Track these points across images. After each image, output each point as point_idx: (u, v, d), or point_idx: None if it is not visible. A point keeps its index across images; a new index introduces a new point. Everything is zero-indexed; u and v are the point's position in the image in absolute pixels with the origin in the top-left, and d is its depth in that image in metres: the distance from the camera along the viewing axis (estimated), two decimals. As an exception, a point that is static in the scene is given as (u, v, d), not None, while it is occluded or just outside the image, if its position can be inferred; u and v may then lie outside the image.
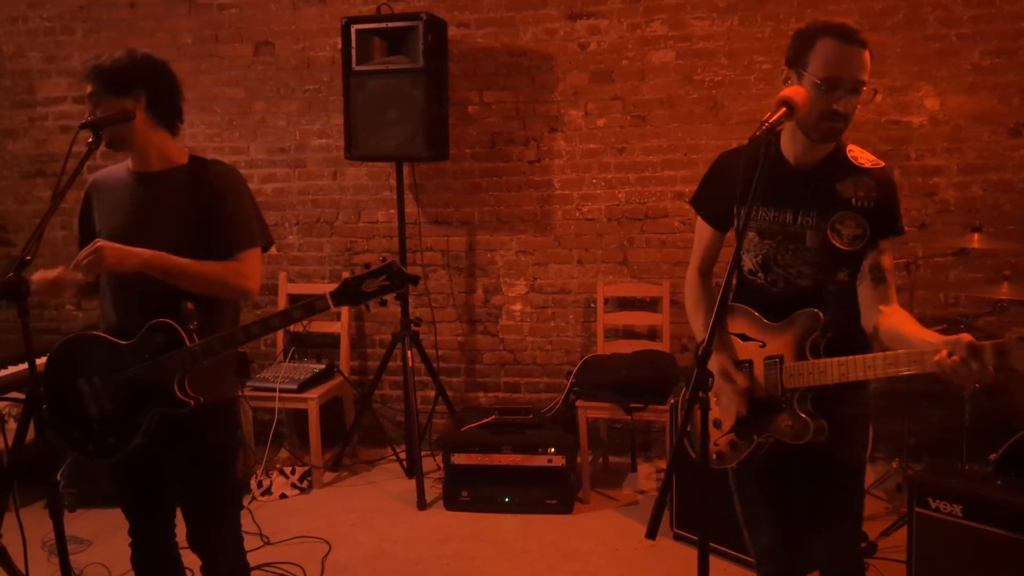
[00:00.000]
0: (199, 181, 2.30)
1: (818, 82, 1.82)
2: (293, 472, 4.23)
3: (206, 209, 2.28)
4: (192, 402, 2.20)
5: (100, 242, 2.13)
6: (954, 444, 3.63)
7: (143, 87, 2.26)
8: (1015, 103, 4.05)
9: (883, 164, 1.97)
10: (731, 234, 2.12)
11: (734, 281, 2.13)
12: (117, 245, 2.16)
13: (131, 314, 2.24)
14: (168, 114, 2.32)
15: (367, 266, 2.08)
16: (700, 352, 1.59)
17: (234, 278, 2.27)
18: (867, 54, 1.84)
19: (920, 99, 4.14)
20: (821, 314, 1.91)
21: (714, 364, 1.97)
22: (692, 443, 2.19)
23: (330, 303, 2.07)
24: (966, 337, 1.61)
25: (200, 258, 2.23)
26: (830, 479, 2.04)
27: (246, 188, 2.40)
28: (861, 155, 1.97)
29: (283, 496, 4.10)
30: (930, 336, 1.73)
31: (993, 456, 2.96)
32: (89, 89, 2.25)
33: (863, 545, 3.28)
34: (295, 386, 4.18)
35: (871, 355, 1.78)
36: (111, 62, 2.26)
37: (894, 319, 1.88)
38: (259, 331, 2.20)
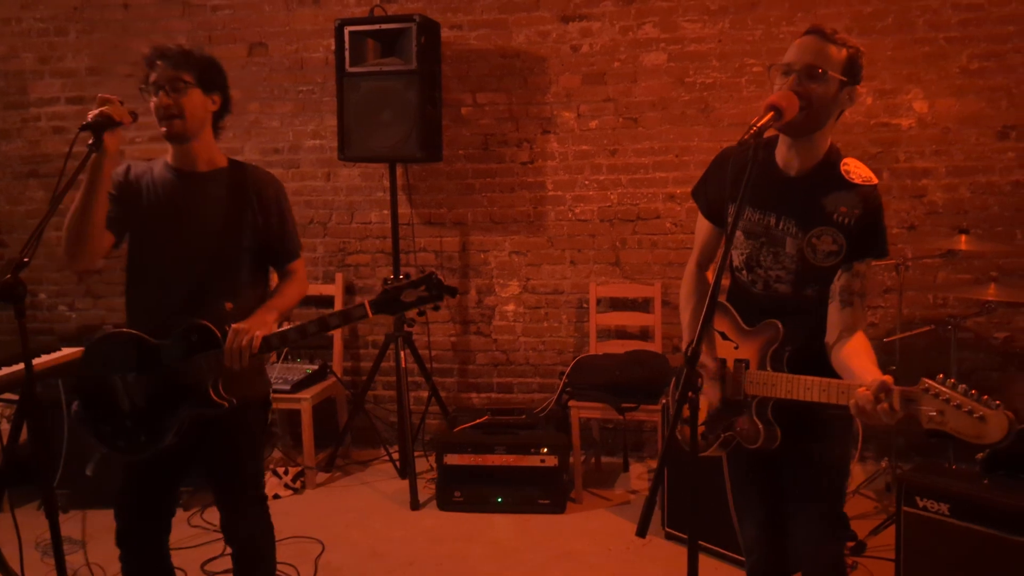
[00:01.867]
0: (244, 186, 2.37)
1: (776, 67, 1.90)
2: (286, 472, 4.24)
3: (258, 217, 2.36)
4: (226, 403, 2.22)
5: (241, 328, 2.18)
6: (941, 444, 3.66)
7: (223, 89, 2.36)
8: (1003, 106, 4.09)
9: (875, 182, 1.94)
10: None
11: (726, 282, 2.15)
12: (253, 323, 2.21)
13: (174, 313, 2.25)
14: (222, 121, 2.41)
15: (406, 276, 2.11)
16: (689, 352, 1.61)
17: (303, 291, 2.47)
18: (828, 46, 1.86)
19: (909, 102, 4.17)
20: (781, 327, 1.95)
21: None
22: (683, 438, 2.23)
23: (368, 312, 2.12)
24: (884, 378, 1.66)
25: (237, 259, 2.34)
26: (811, 477, 2.07)
27: (287, 195, 2.49)
28: (855, 170, 1.95)
29: (276, 496, 4.11)
30: (870, 374, 1.76)
31: (980, 456, 2.99)
32: (171, 73, 2.24)
33: (851, 544, 3.31)
34: (288, 387, 4.19)
35: (811, 378, 1.83)
36: (201, 55, 2.32)
37: (849, 348, 1.89)
38: (296, 337, 2.24)
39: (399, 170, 4.41)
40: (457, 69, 4.55)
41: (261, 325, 2.22)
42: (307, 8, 4.67)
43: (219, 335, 2.19)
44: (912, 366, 3.92)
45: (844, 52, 1.87)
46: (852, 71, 1.89)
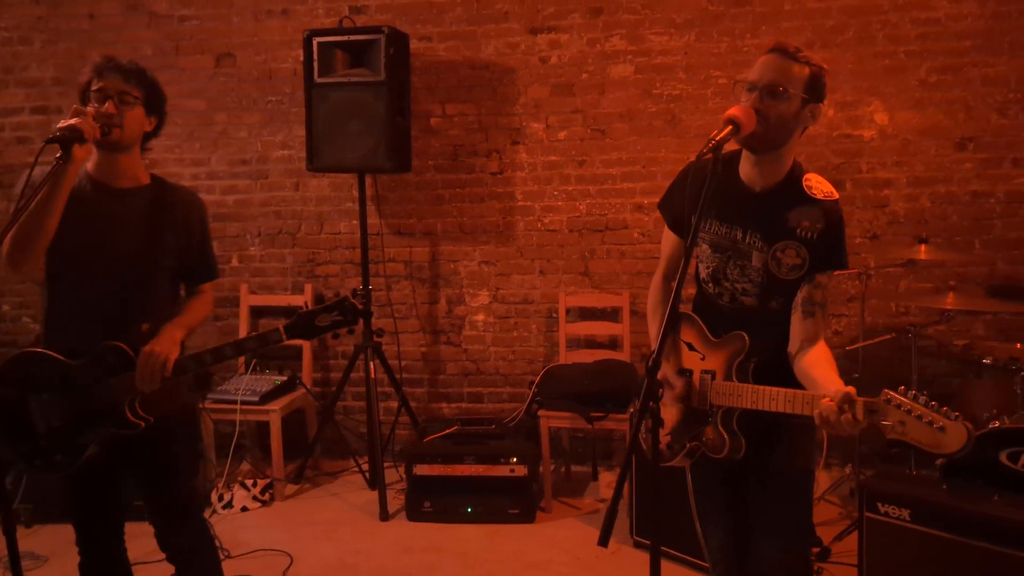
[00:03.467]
0: (166, 205, 2.37)
1: (740, 83, 1.94)
2: (255, 485, 4.21)
3: (179, 237, 2.37)
4: (142, 423, 2.22)
5: (152, 352, 2.18)
6: (903, 451, 3.72)
7: (161, 114, 2.38)
8: (960, 118, 4.19)
9: (836, 196, 1.99)
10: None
11: (692, 291, 2.19)
12: (164, 345, 2.21)
13: (91, 334, 2.24)
14: (148, 142, 2.42)
15: (321, 300, 2.15)
16: (650, 363, 1.63)
17: (209, 310, 2.50)
18: (791, 64, 1.90)
19: (870, 114, 4.26)
20: (747, 338, 1.98)
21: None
22: (646, 447, 2.26)
23: (283, 336, 2.17)
24: (847, 389, 1.70)
25: (154, 279, 2.34)
26: (776, 486, 2.09)
27: (208, 216, 2.51)
28: (817, 185, 1.99)
29: (244, 509, 4.08)
30: (833, 384, 1.80)
31: (939, 462, 3.04)
32: (121, 86, 2.26)
33: (816, 550, 3.35)
34: (257, 398, 4.16)
35: (776, 389, 1.87)
36: (151, 76, 2.34)
37: (812, 358, 1.93)
38: (212, 359, 2.25)
39: (368, 180, 4.41)
40: (426, 80, 4.56)
41: (172, 346, 2.22)
42: (275, 19, 4.66)
43: (133, 356, 2.20)
44: (875, 374, 3.99)
45: (807, 70, 1.91)
46: (814, 89, 1.93)
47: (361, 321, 4.23)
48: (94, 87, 2.25)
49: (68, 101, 4.80)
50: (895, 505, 2.86)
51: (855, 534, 3.31)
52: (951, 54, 4.16)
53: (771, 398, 1.87)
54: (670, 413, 2.08)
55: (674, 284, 2.27)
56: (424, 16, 4.53)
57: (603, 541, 1.61)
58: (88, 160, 2.23)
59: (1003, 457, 2.93)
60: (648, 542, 3.40)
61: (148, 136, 2.38)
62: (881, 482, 2.98)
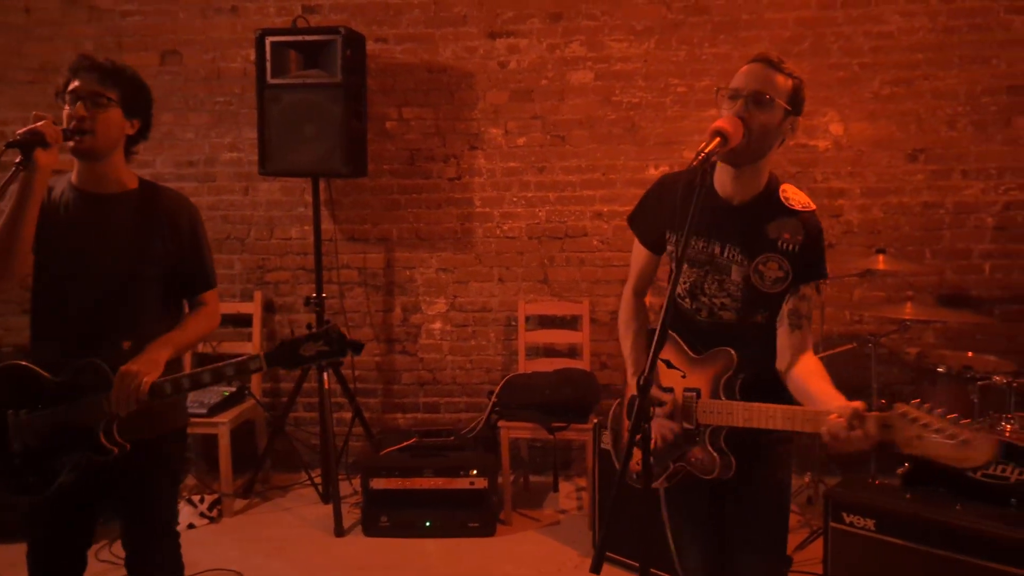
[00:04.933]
0: (154, 211, 2.22)
1: (723, 91, 1.89)
2: (202, 501, 4.04)
3: (169, 244, 2.22)
4: (116, 450, 2.07)
5: (129, 372, 2.03)
6: (863, 457, 3.76)
7: (145, 114, 2.23)
8: (912, 130, 4.26)
9: (813, 207, 1.98)
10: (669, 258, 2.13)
11: (655, 300, 2.14)
12: (143, 366, 2.05)
13: (72, 346, 2.11)
14: (136, 145, 2.27)
15: (309, 327, 2.03)
16: (641, 381, 1.58)
17: (212, 325, 2.33)
18: (776, 74, 1.88)
19: (826, 124, 4.31)
20: (735, 354, 1.94)
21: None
22: (618, 458, 2.21)
23: (264, 364, 2.02)
24: (856, 404, 1.66)
25: (140, 291, 2.19)
26: (755, 503, 2.06)
27: (202, 221, 2.36)
28: (794, 196, 1.98)
29: (191, 526, 3.91)
30: (832, 398, 1.77)
31: (901, 470, 3.07)
32: (95, 88, 2.11)
33: (781, 561, 3.35)
34: (204, 410, 4.00)
35: (774, 406, 1.82)
36: (132, 75, 2.19)
37: (804, 370, 1.90)
38: (190, 385, 2.10)
39: (322, 184, 4.28)
40: (382, 83, 4.46)
41: (152, 366, 2.06)
42: (224, 16, 4.51)
43: (111, 376, 2.05)
44: (834, 382, 4.02)
45: (790, 82, 1.89)
46: (796, 101, 1.91)
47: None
48: (69, 88, 2.11)
49: (3, 99, 4.56)
50: (860, 515, 2.89)
51: (817, 543, 3.34)
52: (903, 67, 4.23)
53: (768, 416, 1.82)
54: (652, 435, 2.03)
55: (649, 299, 2.26)
56: (380, 17, 4.43)
57: (595, 568, 1.55)
58: (56, 165, 2.07)
59: (962, 466, 2.96)
60: (615, 556, 3.39)
61: (133, 139, 2.23)
62: (845, 492, 2.99)
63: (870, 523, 2.86)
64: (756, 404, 1.85)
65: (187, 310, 2.38)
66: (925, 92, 4.24)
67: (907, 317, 3.56)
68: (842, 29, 4.24)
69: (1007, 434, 2.97)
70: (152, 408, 2.09)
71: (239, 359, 2.05)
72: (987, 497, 2.82)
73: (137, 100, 2.20)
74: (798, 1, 4.24)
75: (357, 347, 2.02)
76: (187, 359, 4.42)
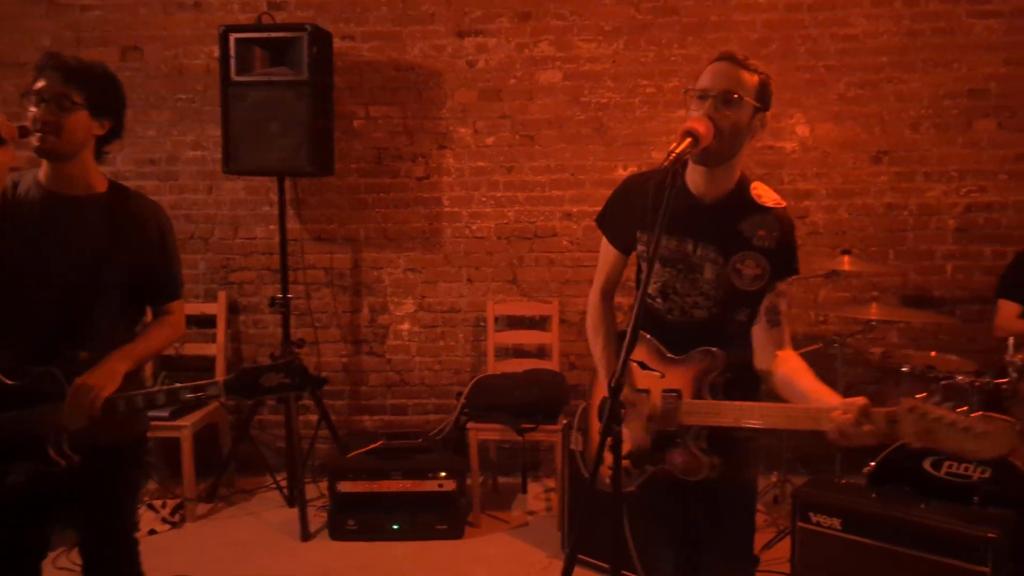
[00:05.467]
0: (122, 216, 2.14)
1: (691, 91, 1.88)
2: (164, 506, 3.97)
3: (135, 252, 2.14)
4: (63, 463, 1.99)
5: (84, 386, 1.96)
6: (829, 456, 3.79)
7: (116, 114, 2.15)
8: (876, 132, 4.31)
9: (784, 204, 1.98)
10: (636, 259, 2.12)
11: (623, 300, 2.13)
12: (98, 379, 1.98)
13: (26, 356, 2.03)
14: (109, 145, 2.19)
15: (272, 356, 1.98)
16: (613, 384, 1.56)
17: (176, 335, 2.26)
18: (742, 71, 1.87)
19: (792, 126, 4.34)
20: (720, 354, 1.93)
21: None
22: (585, 463, 2.19)
23: (222, 392, 1.98)
24: (861, 400, 1.65)
25: (102, 298, 2.11)
26: (725, 501, 2.05)
27: (173, 229, 2.28)
28: (765, 193, 1.98)
29: (152, 532, 3.83)
30: (825, 394, 1.76)
31: (866, 469, 3.10)
32: (59, 89, 2.02)
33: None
34: (166, 414, 3.91)
35: (769, 404, 1.81)
36: (102, 74, 2.11)
37: (789, 367, 1.90)
38: (144, 404, 2.05)
39: (287, 184, 4.21)
40: (349, 81, 4.41)
41: (109, 380, 2.00)
42: (187, 12, 4.42)
43: (66, 387, 1.98)
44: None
45: (756, 78, 1.89)
46: (763, 97, 1.91)
47: (279, 332, 4.10)
48: (35, 87, 2.04)
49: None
50: (826, 515, 2.90)
51: (784, 542, 3.36)
52: (868, 70, 4.28)
53: (763, 414, 1.80)
54: (626, 438, 2.00)
55: (619, 299, 2.25)
56: (347, 15, 4.38)
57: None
58: (13, 162, 2.00)
59: (927, 465, 3.01)
60: (583, 557, 3.37)
61: (103, 140, 2.15)
62: (812, 492, 3.00)
63: (836, 522, 2.87)
64: (749, 403, 1.83)
65: (149, 317, 2.32)
66: (889, 95, 4.29)
67: (872, 317, 3.60)
68: (809, 32, 4.27)
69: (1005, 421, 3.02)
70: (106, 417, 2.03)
71: (197, 384, 2.00)
72: (951, 495, 2.87)
73: (106, 100, 2.11)
74: (765, 3, 4.27)
75: (319, 383, 1.98)
76: (149, 362, 4.34)
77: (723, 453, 1.95)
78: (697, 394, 1.93)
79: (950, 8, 4.21)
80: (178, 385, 2.03)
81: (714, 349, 1.94)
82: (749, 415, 1.83)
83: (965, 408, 1.58)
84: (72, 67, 2.06)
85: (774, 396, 1.92)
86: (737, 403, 1.86)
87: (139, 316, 2.28)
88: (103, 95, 2.11)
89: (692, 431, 1.92)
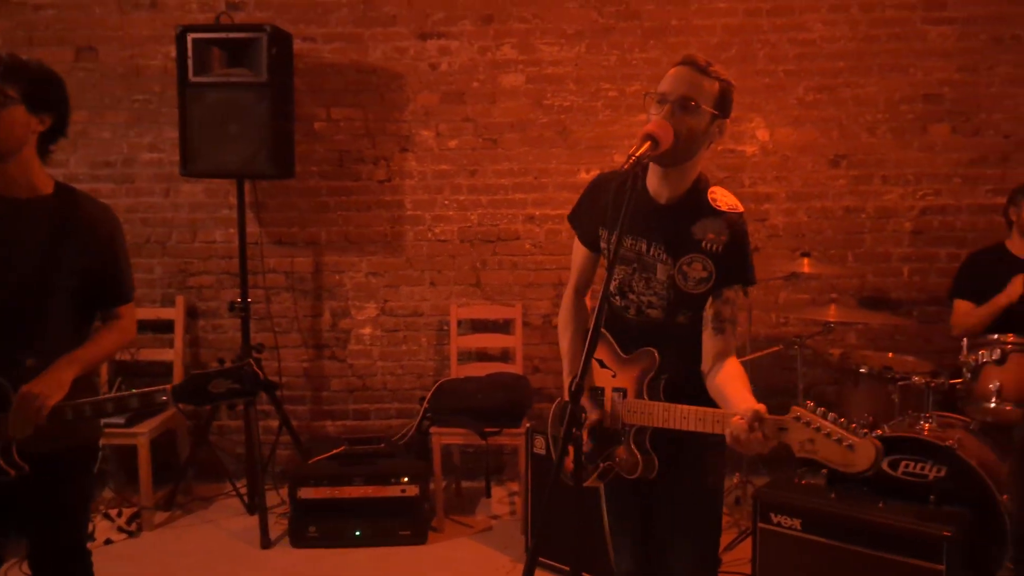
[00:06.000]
0: (69, 219, 2.08)
1: (651, 95, 1.88)
2: (120, 515, 3.89)
3: (84, 256, 2.09)
4: (12, 472, 1.94)
5: (29, 394, 1.91)
6: (789, 456, 3.82)
7: (58, 109, 2.08)
8: (834, 136, 4.37)
9: (741, 210, 1.98)
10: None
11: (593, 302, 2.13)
12: (44, 387, 1.93)
13: None
14: (54, 144, 2.12)
15: (220, 362, 1.94)
16: (573, 387, 1.56)
17: (125, 340, 2.21)
18: (702, 78, 1.88)
19: (752, 130, 4.38)
20: (658, 355, 1.94)
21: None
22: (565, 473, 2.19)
23: (170, 398, 1.94)
24: (757, 407, 1.67)
25: (48, 304, 2.05)
26: (688, 506, 2.06)
27: (123, 232, 2.22)
28: (722, 198, 1.98)
29: (108, 542, 3.75)
30: (743, 400, 1.77)
31: (825, 469, 3.13)
32: None
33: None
34: (122, 420, 3.84)
35: (687, 408, 1.83)
36: (38, 69, 2.03)
37: (723, 375, 1.91)
38: (92, 413, 2.01)
39: (247, 186, 4.16)
40: (310, 82, 4.36)
41: (56, 388, 1.95)
42: (143, 12, 4.35)
43: (12, 394, 1.93)
44: (760, 384, 4.07)
45: (716, 85, 1.89)
46: (723, 104, 1.91)
47: (239, 336, 4.04)
48: None
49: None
50: (787, 515, 2.93)
51: (745, 543, 3.38)
52: (826, 74, 4.34)
53: (682, 417, 1.83)
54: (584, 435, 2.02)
55: (587, 300, 2.25)
56: (307, 16, 4.34)
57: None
58: None
59: (884, 464, 3.04)
60: (547, 561, 3.37)
61: (47, 137, 2.08)
62: (773, 492, 3.03)
63: (796, 523, 2.90)
64: (674, 405, 1.85)
65: (98, 322, 2.26)
66: (847, 99, 4.35)
67: (830, 319, 3.64)
68: (768, 36, 4.32)
69: (925, 433, 3.07)
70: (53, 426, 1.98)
71: (145, 391, 1.96)
72: (908, 495, 2.91)
73: (45, 95, 2.05)
74: (725, 8, 4.31)
75: (271, 387, 1.95)
76: (103, 367, 4.26)
77: (680, 457, 1.96)
78: (638, 394, 1.95)
79: (905, 15, 4.29)
80: (126, 392, 1.99)
81: (652, 350, 1.95)
82: (672, 417, 1.85)
83: (845, 419, 1.60)
84: (5, 62, 2.00)
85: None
86: (664, 404, 1.88)
87: (89, 321, 2.23)
88: (40, 89, 2.05)
89: (635, 429, 1.94)
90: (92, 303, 2.19)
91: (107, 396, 2.00)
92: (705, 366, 1.95)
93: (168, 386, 1.94)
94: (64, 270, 2.06)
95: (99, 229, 2.14)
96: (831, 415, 1.63)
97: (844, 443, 1.58)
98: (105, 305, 2.21)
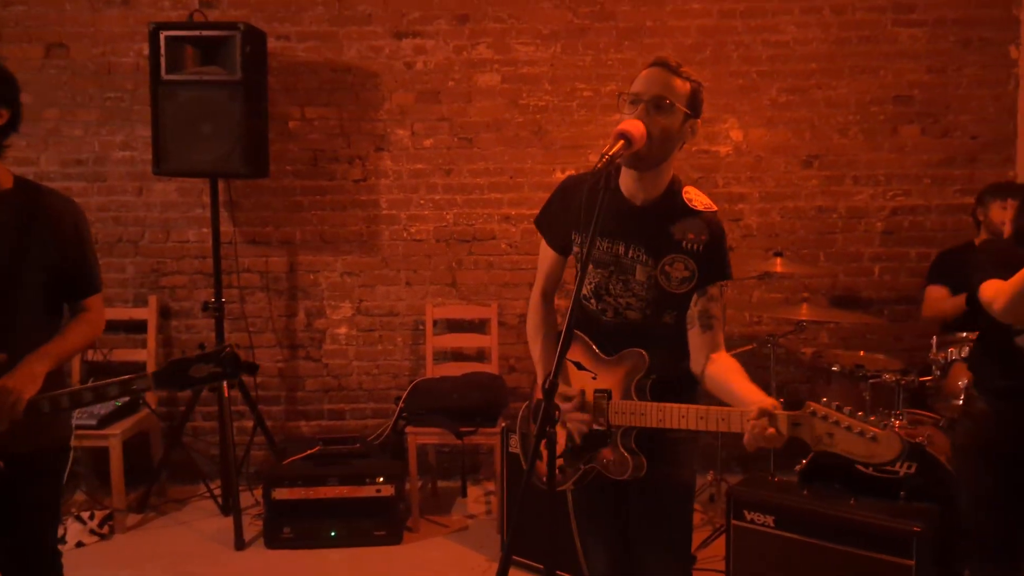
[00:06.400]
0: (33, 212, 2.06)
1: (625, 95, 1.90)
2: (91, 517, 3.84)
3: (50, 249, 2.07)
4: None
5: (3, 388, 1.89)
6: (763, 455, 3.87)
7: (10, 103, 2.06)
8: (807, 137, 4.42)
9: (715, 209, 2.01)
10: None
11: (564, 304, 2.13)
12: (18, 381, 1.91)
13: None
14: (6, 139, 2.10)
15: (201, 347, 1.93)
16: (547, 385, 1.56)
17: (95, 333, 2.20)
18: (674, 78, 1.90)
19: (726, 131, 4.42)
20: (647, 355, 1.95)
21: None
22: (539, 474, 2.19)
23: (151, 384, 1.92)
24: (767, 404, 1.68)
25: (16, 300, 2.04)
26: (660, 503, 2.08)
27: (87, 222, 2.21)
28: (696, 198, 2.00)
29: (80, 544, 3.70)
30: (751, 394, 1.79)
31: (798, 467, 3.17)
32: None
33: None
34: (94, 422, 3.80)
35: (685, 406, 1.84)
36: None
37: (722, 368, 1.92)
38: (69, 403, 1.99)
39: (221, 185, 4.12)
40: (284, 81, 4.34)
41: (29, 382, 1.94)
42: (115, 8, 4.30)
43: None
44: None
45: (688, 86, 1.91)
46: (695, 104, 1.93)
47: (213, 336, 4.01)
48: None
49: None
50: (760, 512, 2.95)
51: (720, 540, 3.41)
52: (798, 76, 4.38)
53: (681, 415, 1.83)
54: (561, 437, 2.02)
55: (557, 302, 2.26)
56: (281, 14, 4.31)
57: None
58: None
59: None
60: (522, 560, 3.37)
61: (2, 132, 2.07)
62: (746, 490, 3.06)
63: (770, 519, 2.93)
64: (669, 404, 1.85)
65: (67, 315, 2.24)
66: (819, 100, 4.40)
67: (803, 318, 3.68)
68: (741, 38, 4.36)
69: (896, 429, 3.11)
70: (33, 422, 1.96)
71: (124, 378, 1.95)
72: (879, 491, 2.95)
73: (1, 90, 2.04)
74: (700, 10, 4.34)
75: (252, 369, 1.95)
76: (75, 367, 4.21)
77: (654, 453, 1.97)
78: (626, 395, 1.95)
79: (876, 17, 4.34)
80: (105, 381, 1.97)
81: (640, 350, 1.95)
82: (669, 416, 1.86)
83: (861, 413, 1.62)
84: None
85: (712, 398, 1.94)
86: (658, 404, 1.88)
87: (58, 315, 2.22)
88: None
89: (621, 431, 1.94)
90: (60, 296, 2.18)
91: (85, 386, 1.98)
92: (696, 363, 1.97)
93: (150, 372, 1.94)
94: (32, 264, 2.05)
95: (64, 221, 2.13)
96: (847, 408, 1.63)
97: (867, 435, 1.59)
98: (73, 297, 2.20)
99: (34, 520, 2.15)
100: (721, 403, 1.86)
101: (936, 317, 3.73)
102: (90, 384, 1.99)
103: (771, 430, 1.65)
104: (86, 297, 2.21)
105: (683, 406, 1.84)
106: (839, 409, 1.63)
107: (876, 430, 1.59)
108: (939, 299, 3.76)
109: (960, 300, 3.59)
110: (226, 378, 1.94)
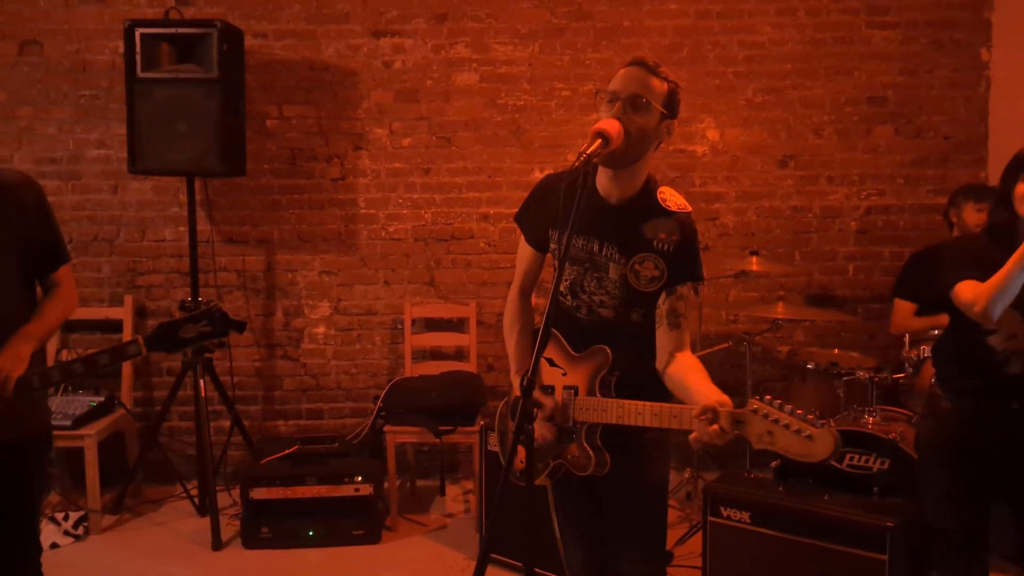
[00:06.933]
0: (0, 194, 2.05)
1: (602, 93, 1.92)
2: (66, 518, 3.80)
3: (18, 227, 2.07)
4: None
5: None
6: (739, 452, 3.91)
7: None
8: (782, 137, 4.46)
9: (689, 209, 2.03)
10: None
11: (542, 301, 2.14)
12: (5, 361, 1.92)
13: None
14: None
15: (188, 309, 1.93)
16: (525, 382, 1.57)
17: (71, 307, 2.20)
18: (652, 78, 1.91)
19: (703, 130, 4.45)
20: (610, 352, 1.96)
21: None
22: (504, 459, 2.20)
23: (143, 349, 1.93)
24: (713, 401, 1.69)
25: (3, 275, 2.05)
26: (634, 500, 2.09)
27: (45, 194, 2.21)
28: (671, 198, 2.02)
29: (54, 546, 3.67)
30: (706, 392, 1.80)
31: (774, 464, 3.20)
32: None
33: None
34: (69, 422, 3.76)
35: (642, 403, 1.85)
36: None
37: (681, 367, 1.94)
38: (59, 377, 2.00)
39: (197, 184, 4.10)
40: (262, 79, 4.32)
41: (16, 362, 1.95)
42: (90, 6, 4.26)
43: None
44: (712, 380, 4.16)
45: (665, 86, 1.93)
46: (671, 105, 1.95)
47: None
48: None
49: None
50: (736, 508, 2.98)
51: (696, 537, 3.43)
52: (774, 76, 4.42)
53: (637, 412, 1.85)
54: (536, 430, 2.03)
55: (534, 299, 2.27)
56: (259, 12, 4.29)
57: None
58: None
59: (830, 458, 3.12)
60: (501, 557, 3.39)
61: None
62: (722, 487, 3.08)
63: (746, 516, 2.95)
64: (628, 401, 1.87)
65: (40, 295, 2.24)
66: (794, 101, 4.44)
67: (779, 316, 3.72)
68: (718, 38, 4.39)
69: (869, 426, 3.16)
70: (13, 408, 1.96)
71: (115, 346, 1.96)
72: (852, 487, 2.99)
73: None
74: (677, 10, 4.37)
75: (240, 326, 1.95)
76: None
77: (626, 451, 1.99)
78: (590, 391, 1.97)
79: (850, 19, 4.39)
80: (95, 351, 1.98)
81: (604, 347, 1.97)
82: (627, 413, 1.87)
83: (803, 411, 1.63)
84: None
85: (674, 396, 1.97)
86: (618, 401, 1.90)
87: (33, 292, 2.22)
88: None
89: (586, 427, 1.96)
90: (33, 273, 2.18)
91: (75, 358, 1.99)
92: (660, 362, 1.98)
93: (139, 337, 1.94)
94: (3, 246, 2.05)
95: (25, 196, 2.13)
96: (788, 407, 1.64)
97: (803, 434, 1.60)
98: (44, 271, 2.20)
99: (12, 520, 2.13)
100: (680, 402, 1.88)
101: (904, 333, 3.72)
102: (82, 355, 1.99)
103: (714, 427, 1.66)
104: (57, 268, 2.20)
105: (640, 403, 1.85)
106: (781, 408, 1.63)
107: (813, 429, 1.59)
108: (906, 314, 3.77)
109: (929, 321, 3.58)
110: (216, 336, 1.94)
